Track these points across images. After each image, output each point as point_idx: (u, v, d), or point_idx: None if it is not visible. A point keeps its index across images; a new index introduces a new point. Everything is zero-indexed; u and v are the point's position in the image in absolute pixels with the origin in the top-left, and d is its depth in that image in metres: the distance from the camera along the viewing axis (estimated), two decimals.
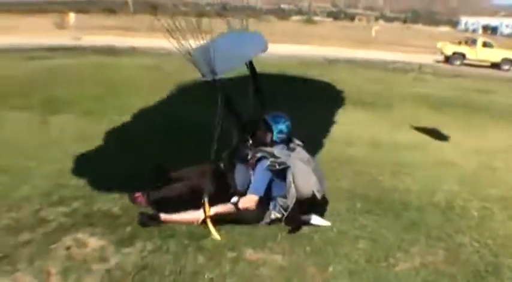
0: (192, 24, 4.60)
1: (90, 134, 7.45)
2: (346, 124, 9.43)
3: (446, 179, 6.71)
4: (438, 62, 28.04)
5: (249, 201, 4.59)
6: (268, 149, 4.73)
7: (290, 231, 4.68)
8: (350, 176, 6.49)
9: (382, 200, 5.73)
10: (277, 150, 4.69)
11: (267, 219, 4.71)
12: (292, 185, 4.48)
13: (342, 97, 12.41)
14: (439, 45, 29.55)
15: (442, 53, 28.89)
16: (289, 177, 4.50)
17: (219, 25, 5.21)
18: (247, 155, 4.91)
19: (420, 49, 34.53)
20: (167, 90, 10.94)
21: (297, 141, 5.06)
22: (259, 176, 4.64)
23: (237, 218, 4.67)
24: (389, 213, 5.39)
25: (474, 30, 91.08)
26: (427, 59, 27.44)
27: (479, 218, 5.51)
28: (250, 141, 5.08)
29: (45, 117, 8.52)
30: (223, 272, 3.98)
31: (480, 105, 12.87)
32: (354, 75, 17.03)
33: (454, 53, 28.04)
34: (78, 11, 32.92)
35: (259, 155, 4.68)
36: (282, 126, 4.79)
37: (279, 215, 4.69)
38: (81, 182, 5.52)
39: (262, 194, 4.58)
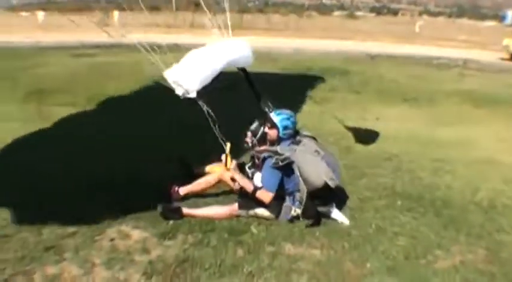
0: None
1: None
2: (389, 120, 9.38)
3: (490, 177, 6.59)
4: (503, 59, 24.89)
5: (264, 195, 4.68)
6: (272, 147, 4.84)
7: (308, 225, 4.75)
8: (390, 172, 6.47)
9: (423, 197, 5.69)
10: (280, 147, 4.77)
11: (287, 215, 4.78)
12: (300, 178, 4.57)
13: (384, 93, 12.30)
14: (506, 42, 25.72)
15: (507, 50, 25.06)
16: (296, 171, 4.59)
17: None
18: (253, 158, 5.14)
19: (465, 44, 33.62)
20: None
21: (305, 133, 5.13)
22: (267, 174, 4.74)
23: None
24: (430, 210, 5.35)
25: None
26: (472, 54, 26.66)
27: None
28: (250, 144, 5.21)
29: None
30: (261, 266, 4.06)
31: None
32: (396, 71, 16.72)
33: None
34: (123, 8, 33.37)
35: (263, 155, 4.79)
36: (288, 123, 4.86)
37: (299, 210, 4.77)
38: (123, 178, 5.68)
39: (274, 190, 4.69)
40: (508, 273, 4.21)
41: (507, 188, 6.23)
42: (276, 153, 4.63)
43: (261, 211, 4.77)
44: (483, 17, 60.22)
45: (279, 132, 4.84)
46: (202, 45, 4.84)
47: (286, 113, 4.91)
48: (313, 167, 4.60)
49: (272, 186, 4.67)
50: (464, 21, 57.13)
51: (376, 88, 12.90)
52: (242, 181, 4.80)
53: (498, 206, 5.64)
